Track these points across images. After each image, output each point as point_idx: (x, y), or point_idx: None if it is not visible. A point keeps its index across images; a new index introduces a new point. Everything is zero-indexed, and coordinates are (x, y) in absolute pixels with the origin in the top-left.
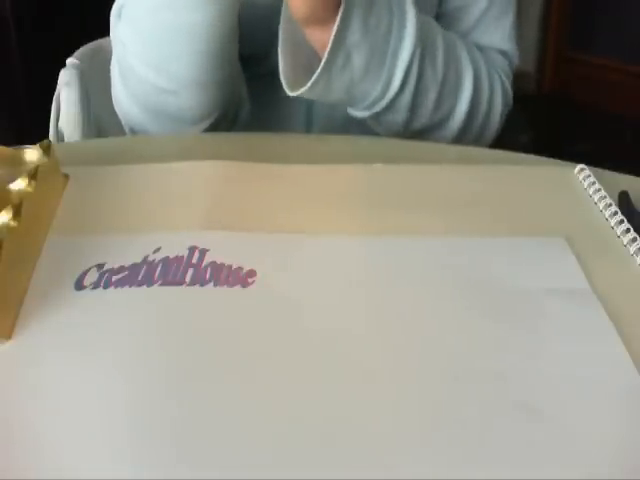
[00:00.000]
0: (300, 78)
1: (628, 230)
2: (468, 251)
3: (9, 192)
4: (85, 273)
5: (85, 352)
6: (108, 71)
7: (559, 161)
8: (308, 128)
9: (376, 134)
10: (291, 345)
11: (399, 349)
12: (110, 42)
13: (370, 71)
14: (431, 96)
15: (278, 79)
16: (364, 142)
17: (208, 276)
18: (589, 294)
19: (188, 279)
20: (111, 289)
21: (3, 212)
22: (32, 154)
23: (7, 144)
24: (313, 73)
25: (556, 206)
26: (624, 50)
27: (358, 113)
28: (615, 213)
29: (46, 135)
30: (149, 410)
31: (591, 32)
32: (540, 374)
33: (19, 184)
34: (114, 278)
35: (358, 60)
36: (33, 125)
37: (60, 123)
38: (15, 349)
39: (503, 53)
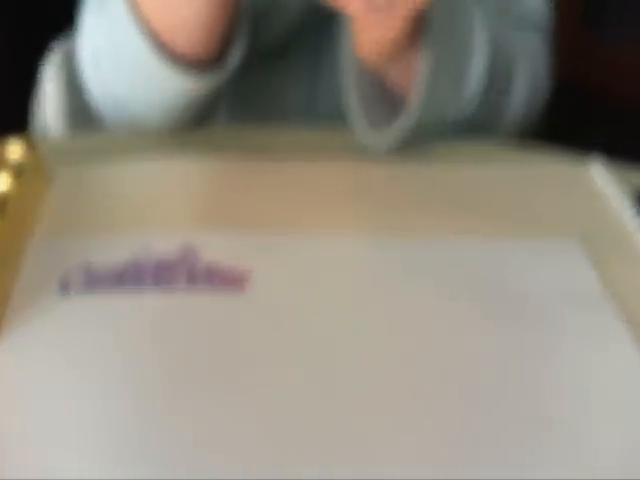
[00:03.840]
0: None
1: None
2: (478, 253)
3: None
4: (71, 276)
5: (71, 358)
6: None
7: (572, 154)
8: (309, 118)
9: None
10: (289, 347)
11: (403, 352)
12: None
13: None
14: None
15: (273, 64)
16: None
17: (202, 278)
18: (603, 297)
19: (180, 281)
20: (98, 292)
21: None
22: (15, 150)
23: None
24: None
25: (569, 205)
26: None
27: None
28: (633, 212)
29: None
30: (140, 417)
31: (605, 15)
32: (552, 380)
33: (2, 183)
34: (101, 281)
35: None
36: (18, 120)
37: (44, 114)
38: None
39: (540, 29)
